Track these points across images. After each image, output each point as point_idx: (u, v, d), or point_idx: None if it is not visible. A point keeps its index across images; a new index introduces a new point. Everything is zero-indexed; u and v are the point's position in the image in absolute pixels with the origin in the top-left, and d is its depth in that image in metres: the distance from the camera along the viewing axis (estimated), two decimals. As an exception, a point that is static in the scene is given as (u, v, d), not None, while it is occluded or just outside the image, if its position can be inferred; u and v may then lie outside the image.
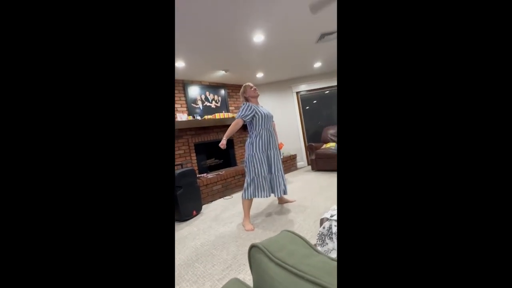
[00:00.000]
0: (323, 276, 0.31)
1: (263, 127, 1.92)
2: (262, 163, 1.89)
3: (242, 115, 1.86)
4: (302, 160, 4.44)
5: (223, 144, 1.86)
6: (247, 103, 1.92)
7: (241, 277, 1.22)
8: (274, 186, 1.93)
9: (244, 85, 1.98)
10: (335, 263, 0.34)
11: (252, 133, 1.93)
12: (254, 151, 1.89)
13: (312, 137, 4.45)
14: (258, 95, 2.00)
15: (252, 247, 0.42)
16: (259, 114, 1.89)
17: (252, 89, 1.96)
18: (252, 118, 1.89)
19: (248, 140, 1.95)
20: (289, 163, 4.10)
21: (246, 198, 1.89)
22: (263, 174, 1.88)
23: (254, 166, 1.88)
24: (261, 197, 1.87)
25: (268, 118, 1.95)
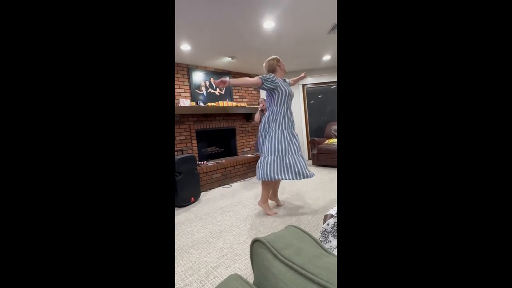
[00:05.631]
0: (335, 280, 0.28)
1: (286, 105, 1.76)
2: (290, 141, 1.73)
3: (265, 78, 1.66)
4: (303, 154, 4.40)
5: (222, 81, 1.53)
6: (272, 74, 1.76)
7: (236, 266, 1.21)
8: (301, 168, 1.71)
9: (271, 58, 1.79)
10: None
11: (278, 109, 1.74)
12: (282, 128, 1.73)
13: (315, 132, 4.39)
14: (286, 72, 1.88)
15: (255, 241, 0.39)
16: (282, 89, 1.72)
17: (281, 62, 1.81)
18: (274, 91, 1.71)
19: (271, 116, 1.75)
20: (290, 157, 4.06)
21: (269, 178, 1.68)
22: (291, 152, 1.72)
23: (280, 143, 1.70)
24: (286, 178, 1.68)
25: (290, 97, 1.79)
